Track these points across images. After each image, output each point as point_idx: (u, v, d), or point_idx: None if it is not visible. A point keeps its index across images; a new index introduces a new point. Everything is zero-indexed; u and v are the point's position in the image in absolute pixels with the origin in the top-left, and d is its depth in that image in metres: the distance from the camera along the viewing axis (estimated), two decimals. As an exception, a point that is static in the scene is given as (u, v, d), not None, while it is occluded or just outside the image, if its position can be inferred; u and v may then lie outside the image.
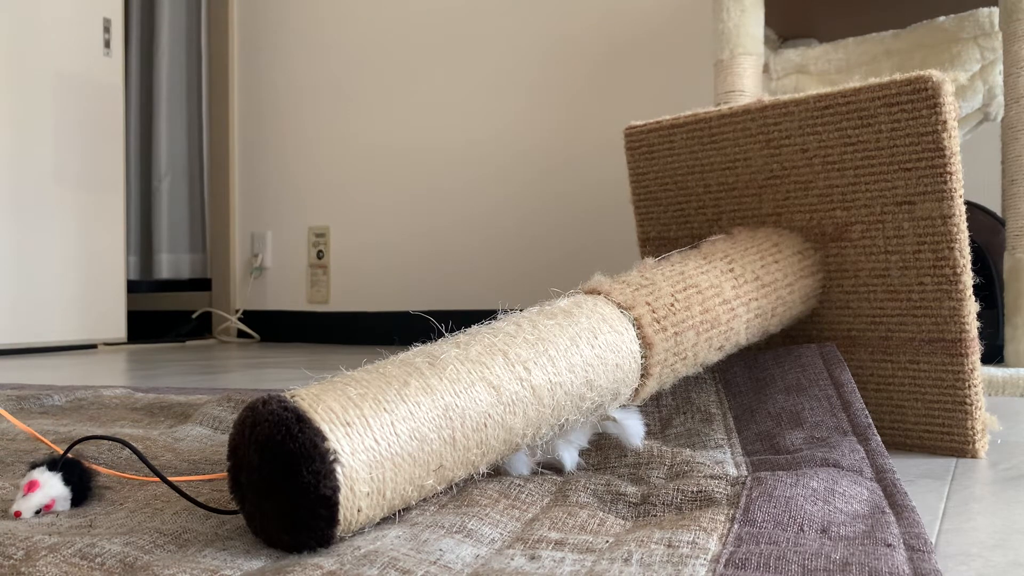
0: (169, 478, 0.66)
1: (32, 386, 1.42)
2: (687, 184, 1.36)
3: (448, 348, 0.70)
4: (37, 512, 0.63)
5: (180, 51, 3.45)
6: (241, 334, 3.21)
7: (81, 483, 0.66)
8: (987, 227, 1.62)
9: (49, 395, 1.28)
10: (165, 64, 3.41)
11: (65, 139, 2.65)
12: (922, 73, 1.05)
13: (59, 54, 2.64)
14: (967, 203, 1.67)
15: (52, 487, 0.64)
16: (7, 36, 2.49)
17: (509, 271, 2.67)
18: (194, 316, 3.28)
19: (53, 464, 0.65)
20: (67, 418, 1.12)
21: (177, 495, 0.69)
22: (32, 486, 0.63)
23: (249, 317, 3.24)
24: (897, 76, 1.08)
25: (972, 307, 1.06)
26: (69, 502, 0.65)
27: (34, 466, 0.65)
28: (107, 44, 2.79)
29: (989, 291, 1.54)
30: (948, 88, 1.04)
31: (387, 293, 2.91)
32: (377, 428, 0.58)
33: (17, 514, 0.62)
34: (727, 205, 1.31)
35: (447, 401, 0.64)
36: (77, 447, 0.73)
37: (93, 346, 2.74)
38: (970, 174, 1.84)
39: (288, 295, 3.19)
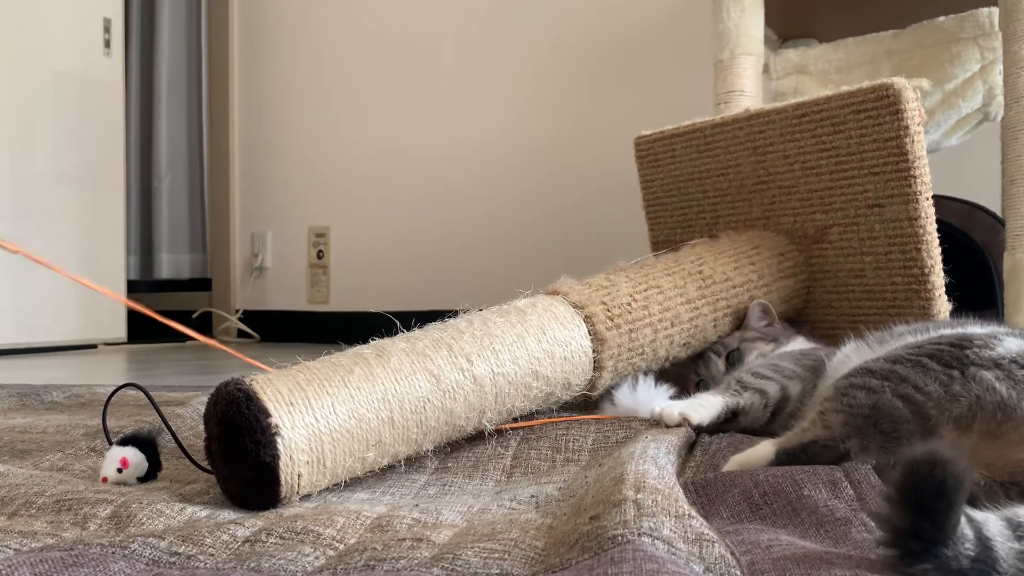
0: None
1: (34, 386, 1.43)
2: (688, 190, 1.38)
3: (398, 342, 0.80)
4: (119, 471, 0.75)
5: (180, 51, 3.45)
6: (241, 334, 3.21)
7: (153, 455, 0.78)
8: (987, 227, 1.62)
9: (48, 391, 1.29)
10: (165, 64, 3.42)
11: (65, 139, 2.65)
12: (884, 81, 1.07)
13: (59, 54, 2.64)
14: (967, 203, 1.67)
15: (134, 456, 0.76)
16: (7, 36, 2.49)
17: (510, 271, 2.67)
18: (194, 316, 3.28)
19: (132, 440, 0.78)
20: (66, 413, 1.13)
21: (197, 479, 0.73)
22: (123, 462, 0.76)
23: (249, 317, 3.24)
24: (864, 84, 1.10)
25: (943, 307, 1.08)
26: (145, 469, 0.77)
27: (122, 443, 0.77)
28: (107, 44, 2.79)
29: (989, 291, 1.54)
30: (909, 95, 1.05)
31: (387, 293, 2.91)
32: (318, 408, 0.69)
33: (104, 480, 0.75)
34: (723, 210, 1.33)
35: (387, 387, 0.74)
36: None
37: (93, 346, 2.74)
38: (970, 174, 1.84)
39: (288, 295, 3.19)
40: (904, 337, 0.77)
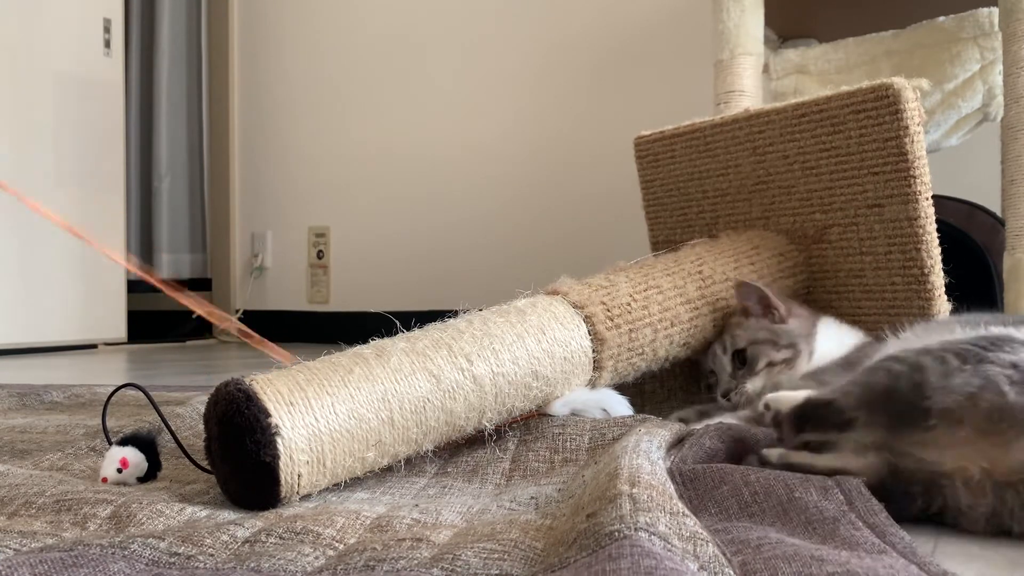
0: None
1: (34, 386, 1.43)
2: (688, 190, 1.38)
3: (398, 342, 0.79)
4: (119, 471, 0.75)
5: (180, 51, 3.45)
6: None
7: (153, 455, 0.79)
8: (987, 227, 1.62)
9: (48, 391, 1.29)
10: (165, 64, 3.41)
11: (65, 139, 2.65)
12: (884, 81, 1.07)
13: (59, 54, 2.64)
14: (967, 203, 1.67)
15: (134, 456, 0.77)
16: (7, 36, 2.50)
17: (510, 271, 2.67)
18: (194, 316, 3.28)
19: (132, 440, 0.78)
20: (67, 412, 1.13)
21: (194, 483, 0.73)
22: (123, 462, 0.76)
23: (249, 317, 3.24)
24: (864, 84, 1.10)
25: (942, 307, 1.08)
26: (144, 469, 0.77)
27: (122, 443, 0.77)
28: (107, 44, 2.79)
29: (989, 291, 1.54)
30: (909, 95, 1.05)
31: (387, 293, 2.91)
32: (318, 408, 0.69)
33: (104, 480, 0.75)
34: (722, 210, 1.33)
35: (386, 387, 0.74)
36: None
37: (93, 346, 2.74)
38: (970, 174, 1.84)
39: (288, 295, 3.19)
40: (951, 325, 0.77)
